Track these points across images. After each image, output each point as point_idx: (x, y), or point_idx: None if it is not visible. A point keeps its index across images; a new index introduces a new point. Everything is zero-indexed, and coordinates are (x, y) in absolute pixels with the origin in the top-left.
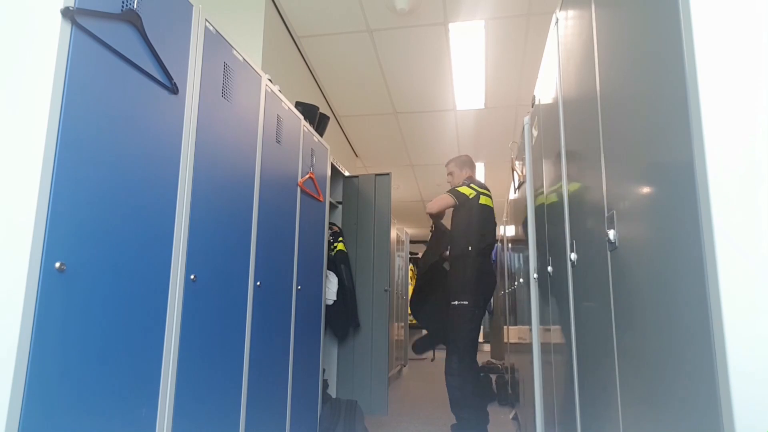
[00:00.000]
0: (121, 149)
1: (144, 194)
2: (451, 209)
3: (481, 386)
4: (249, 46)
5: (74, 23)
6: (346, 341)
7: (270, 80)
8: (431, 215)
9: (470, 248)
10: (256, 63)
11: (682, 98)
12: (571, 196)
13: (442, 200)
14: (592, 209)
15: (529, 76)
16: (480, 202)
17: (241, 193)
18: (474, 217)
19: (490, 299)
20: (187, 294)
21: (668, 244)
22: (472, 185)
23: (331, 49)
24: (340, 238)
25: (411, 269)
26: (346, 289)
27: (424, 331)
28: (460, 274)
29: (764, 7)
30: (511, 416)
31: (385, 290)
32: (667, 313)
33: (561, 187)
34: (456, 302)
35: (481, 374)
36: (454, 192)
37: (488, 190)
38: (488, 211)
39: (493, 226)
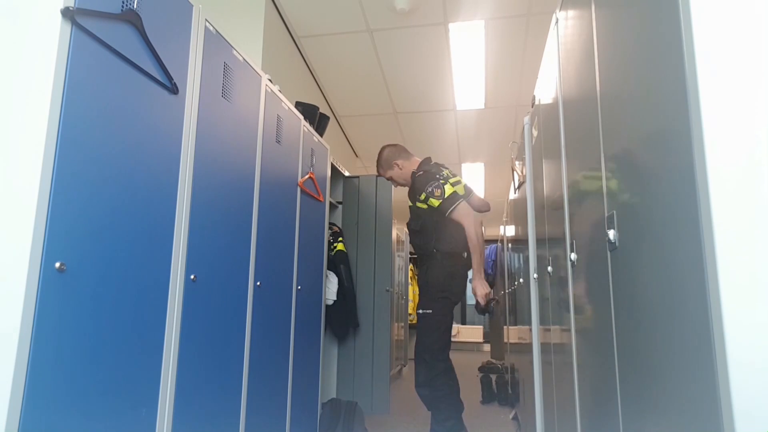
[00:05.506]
0: (121, 149)
1: (144, 194)
2: (411, 207)
3: (454, 384)
4: (249, 46)
5: (74, 23)
6: (347, 341)
7: (270, 80)
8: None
9: (435, 250)
10: (256, 63)
11: (682, 98)
12: (571, 196)
13: (471, 212)
14: (592, 209)
15: (529, 76)
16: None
17: (241, 193)
18: (443, 215)
19: (458, 301)
20: (187, 294)
21: (668, 244)
22: (450, 182)
23: (331, 49)
24: (340, 239)
25: (411, 269)
26: (345, 290)
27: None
28: (426, 280)
29: (764, 7)
30: (511, 416)
31: (387, 290)
32: (667, 313)
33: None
34: (420, 311)
35: (479, 375)
36: (464, 197)
37: (455, 175)
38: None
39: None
